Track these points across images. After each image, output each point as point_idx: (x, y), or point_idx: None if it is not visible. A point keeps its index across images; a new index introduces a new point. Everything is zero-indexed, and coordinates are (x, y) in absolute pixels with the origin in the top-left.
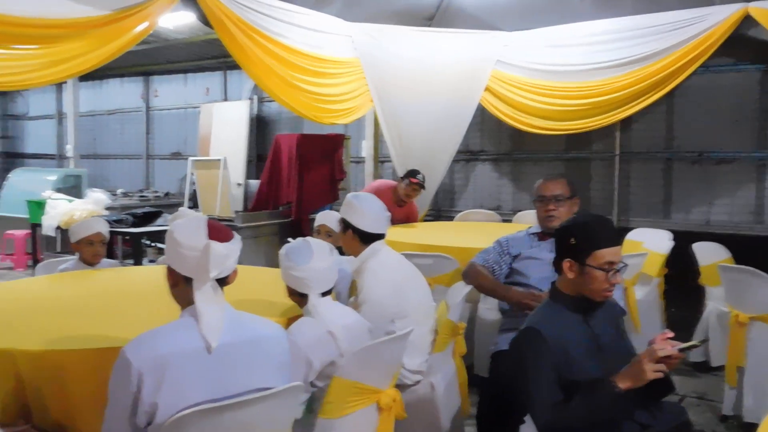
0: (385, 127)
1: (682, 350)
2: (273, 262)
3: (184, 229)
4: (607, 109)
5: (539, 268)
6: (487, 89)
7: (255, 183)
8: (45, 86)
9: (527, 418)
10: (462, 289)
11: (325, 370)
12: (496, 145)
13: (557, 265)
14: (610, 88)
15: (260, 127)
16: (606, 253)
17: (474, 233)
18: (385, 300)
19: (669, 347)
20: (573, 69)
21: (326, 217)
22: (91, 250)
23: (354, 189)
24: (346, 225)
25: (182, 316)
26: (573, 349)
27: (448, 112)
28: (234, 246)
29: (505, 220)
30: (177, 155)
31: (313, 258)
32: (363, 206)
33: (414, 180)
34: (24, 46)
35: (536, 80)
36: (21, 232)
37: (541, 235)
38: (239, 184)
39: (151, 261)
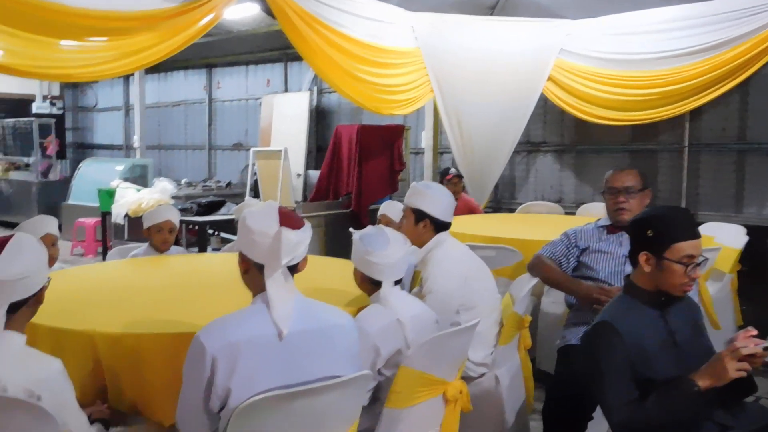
0: (445, 118)
1: (766, 348)
2: (332, 252)
3: (257, 216)
4: (675, 99)
5: (608, 262)
6: (550, 79)
7: (314, 174)
8: (113, 79)
9: (596, 415)
10: (527, 281)
11: (392, 358)
12: (559, 136)
13: (633, 258)
14: (680, 78)
15: (319, 118)
16: (686, 246)
17: (537, 225)
18: (451, 291)
19: (753, 345)
20: (640, 58)
21: (388, 208)
22: (160, 237)
23: (414, 180)
24: (419, 214)
25: (254, 303)
26: (649, 345)
27: (510, 103)
28: (305, 234)
29: (568, 213)
30: (238, 146)
31: (390, 245)
32: (436, 194)
33: (448, 177)
34: (95, 39)
35: (601, 69)
36: (91, 220)
37: (611, 228)
38: (299, 175)
39: (215, 249)
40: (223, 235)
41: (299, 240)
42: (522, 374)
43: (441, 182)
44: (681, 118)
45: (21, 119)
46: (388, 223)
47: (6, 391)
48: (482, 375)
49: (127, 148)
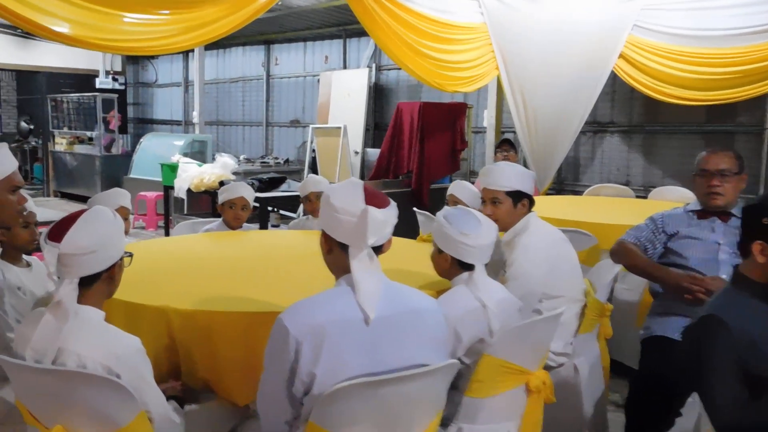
0: (510, 96)
1: None
2: (397, 233)
3: (341, 193)
4: (757, 78)
5: (699, 249)
6: (621, 56)
7: (372, 151)
8: (173, 55)
9: (684, 411)
10: (610, 268)
11: (473, 346)
12: (628, 116)
13: (744, 247)
14: (762, 56)
15: (378, 95)
16: None
17: (609, 209)
18: (537, 277)
19: None
20: (719, 34)
21: (457, 188)
22: (232, 213)
23: (475, 160)
24: (516, 195)
25: (338, 285)
26: (761, 341)
27: (579, 81)
28: (391, 212)
29: (638, 197)
30: (295, 123)
31: (483, 226)
32: (524, 171)
33: (499, 148)
34: (159, 12)
35: (677, 46)
36: (152, 194)
37: (701, 213)
38: (356, 153)
39: (273, 226)
40: (282, 212)
41: (386, 219)
42: (601, 364)
43: (495, 154)
44: (761, 99)
45: (85, 94)
46: (456, 203)
47: (85, 367)
48: (561, 365)
49: (185, 124)
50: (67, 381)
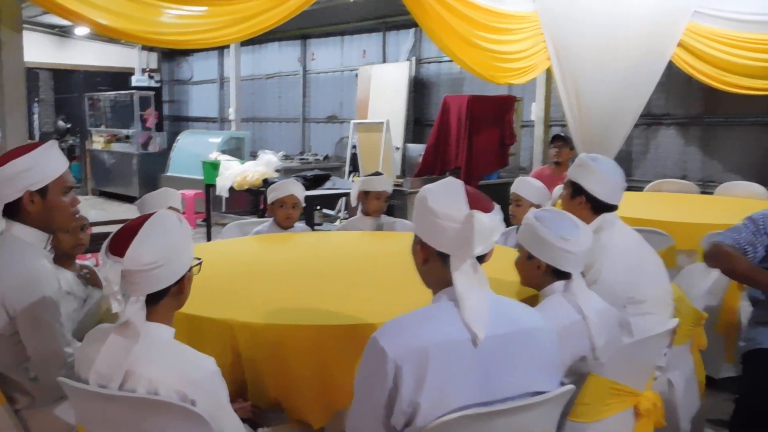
0: (562, 88)
1: None
2: None
3: (440, 195)
4: None
5: None
6: (680, 44)
7: (413, 147)
8: (208, 51)
9: None
10: (705, 273)
11: (574, 365)
12: (684, 107)
13: None
14: None
15: (418, 89)
16: None
17: (677, 206)
18: (620, 282)
19: None
20: None
21: (521, 185)
22: (283, 213)
23: (525, 153)
24: (576, 189)
25: (438, 300)
26: None
27: (634, 71)
28: (498, 216)
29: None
30: (333, 119)
31: (580, 230)
32: (601, 169)
33: (552, 143)
34: (201, 5)
35: (741, 33)
36: (191, 192)
37: None
38: (397, 148)
39: (317, 224)
40: (325, 210)
41: (493, 225)
42: (696, 378)
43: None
44: None
45: (121, 92)
46: (519, 201)
47: (157, 393)
48: (654, 379)
49: (221, 121)
50: (136, 408)
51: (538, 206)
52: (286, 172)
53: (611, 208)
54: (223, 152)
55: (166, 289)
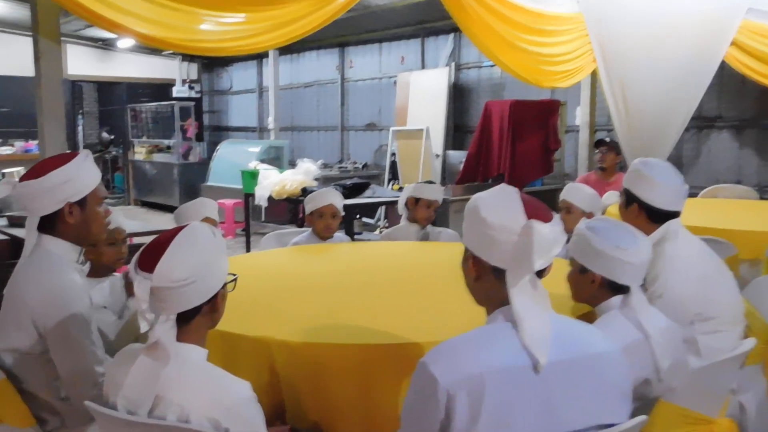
0: (608, 90)
1: None
2: None
3: (494, 205)
4: None
5: None
6: (733, 43)
7: (454, 154)
8: (247, 62)
9: None
10: None
11: (636, 389)
12: (738, 110)
13: None
14: None
15: (457, 95)
16: None
17: (737, 212)
18: (689, 296)
19: None
20: None
21: (572, 192)
22: (322, 223)
23: (569, 159)
24: (629, 197)
25: (493, 321)
26: None
27: (685, 73)
28: (558, 227)
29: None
30: (371, 126)
31: (639, 240)
32: (653, 174)
33: (597, 148)
34: (239, 11)
35: None
36: (230, 201)
37: None
38: (437, 155)
39: (357, 233)
40: (365, 219)
41: (555, 237)
42: None
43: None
44: None
45: (162, 103)
46: (570, 209)
47: (188, 421)
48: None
49: (260, 130)
50: None
51: (590, 214)
52: (325, 181)
53: (671, 215)
54: (262, 161)
55: (197, 307)
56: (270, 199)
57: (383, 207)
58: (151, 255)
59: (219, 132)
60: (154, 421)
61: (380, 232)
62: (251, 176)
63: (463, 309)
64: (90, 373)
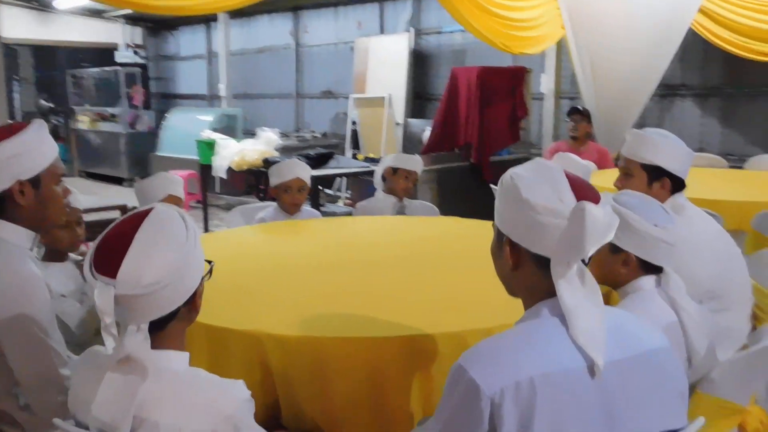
0: (576, 57)
1: None
2: (449, 211)
3: (537, 184)
4: None
5: None
6: (700, 11)
7: (415, 122)
8: (195, 26)
9: None
10: None
11: None
12: (702, 78)
13: None
14: None
15: (417, 62)
16: None
17: (713, 182)
18: (699, 273)
19: None
20: None
21: (561, 161)
22: (288, 198)
23: (534, 128)
24: (656, 172)
25: (537, 316)
26: None
27: (652, 39)
28: (609, 209)
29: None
30: (328, 94)
31: (674, 216)
32: (675, 144)
33: (570, 116)
34: None
35: None
36: (184, 172)
37: None
38: (398, 124)
39: (320, 206)
40: (327, 191)
41: (609, 221)
42: None
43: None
44: None
45: (106, 68)
46: None
47: None
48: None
49: (211, 98)
50: None
51: None
52: (284, 150)
53: (683, 185)
54: (215, 130)
55: (172, 312)
56: (229, 170)
57: (344, 178)
58: (110, 254)
59: (167, 100)
60: None
61: (344, 204)
62: (208, 146)
63: (476, 293)
64: (54, 378)
